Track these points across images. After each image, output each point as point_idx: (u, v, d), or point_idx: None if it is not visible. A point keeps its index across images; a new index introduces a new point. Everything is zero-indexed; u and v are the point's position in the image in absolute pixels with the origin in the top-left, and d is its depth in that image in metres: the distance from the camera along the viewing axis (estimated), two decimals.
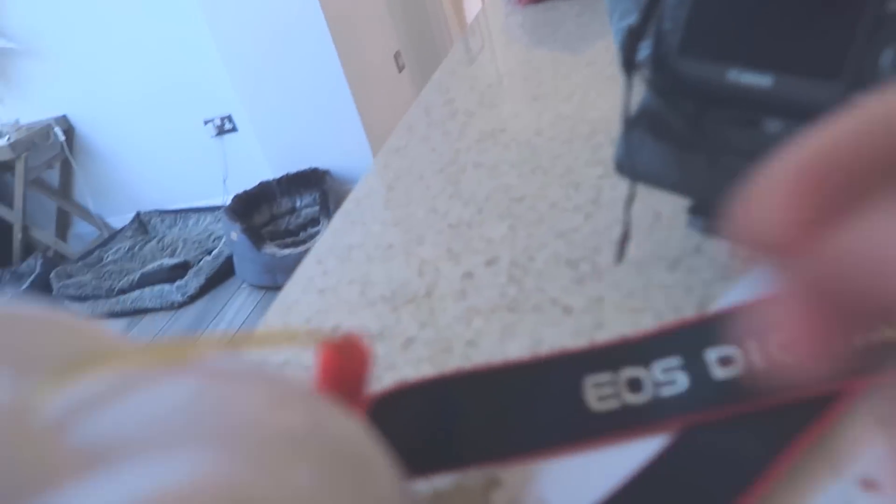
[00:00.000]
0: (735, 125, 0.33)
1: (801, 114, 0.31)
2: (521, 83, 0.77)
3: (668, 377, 0.28)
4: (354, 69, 2.55)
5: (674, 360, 0.28)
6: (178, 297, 2.50)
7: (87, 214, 3.24)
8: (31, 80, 2.93)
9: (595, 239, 0.42)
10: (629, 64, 0.32)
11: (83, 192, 3.20)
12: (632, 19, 0.56)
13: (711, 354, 0.27)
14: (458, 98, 0.76)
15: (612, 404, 0.28)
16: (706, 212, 0.35)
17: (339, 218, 0.56)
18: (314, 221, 2.61)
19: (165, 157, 3.00)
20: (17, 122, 2.85)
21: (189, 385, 0.14)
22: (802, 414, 0.25)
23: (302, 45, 2.44)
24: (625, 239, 0.33)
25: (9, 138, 2.78)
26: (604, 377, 0.29)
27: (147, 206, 3.14)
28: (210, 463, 0.11)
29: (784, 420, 0.25)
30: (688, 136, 0.34)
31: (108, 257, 2.95)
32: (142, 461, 0.11)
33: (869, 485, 0.23)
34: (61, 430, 0.12)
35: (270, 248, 2.37)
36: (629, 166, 0.35)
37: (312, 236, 2.49)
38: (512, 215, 0.48)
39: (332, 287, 0.46)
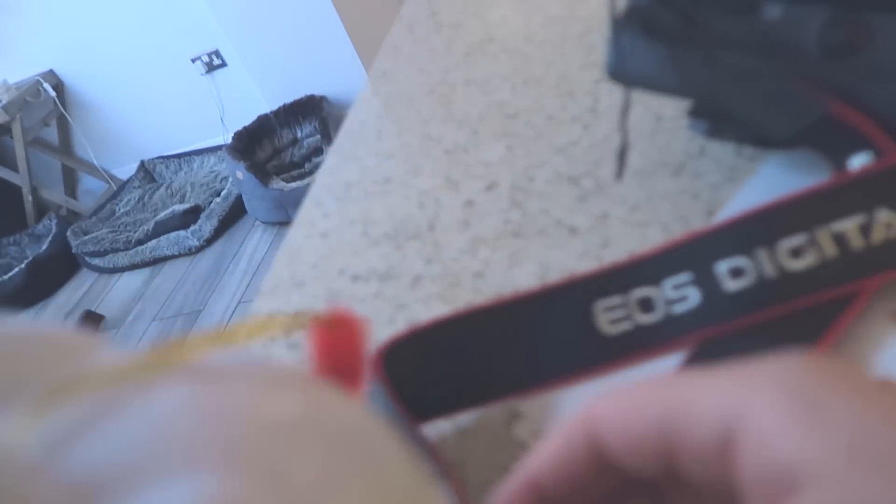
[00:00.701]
0: (732, 13, 0.31)
1: None
2: None
3: (679, 294, 0.27)
4: None
5: (684, 276, 0.27)
6: (195, 242, 2.52)
7: (92, 168, 3.23)
8: (12, 38, 2.85)
9: (595, 151, 0.40)
10: None
11: (84, 147, 3.17)
12: None
13: (721, 267, 0.26)
14: (442, 9, 0.72)
15: (624, 327, 0.28)
16: (707, 112, 0.33)
17: (332, 155, 0.55)
18: (318, 151, 2.57)
19: (159, 100, 2.95)
20: (4, 82, 2.80)
21: (179, 393, 0.13)
22: (818, 319, 0.25)
23: None
24: (624, 152, 0.32)
25: (0, 101, 2.74)
26: (614, 300, 0.28)
27: (150, 153, 3.11)
28: (209, 484, 0.11)
29: (800, 327, 0.25)
30: (681, 31, 0.32)
31: (120, 209, 2.96)
32: (136, 496, 0.11)
33: None
34: (47, 466, 0.11)
35: (278, 184, 2.35)
36: (621, 71, 0.34)
37: (318, 166, 2.46)
38: (508, 134, 0.46)
39: (333, 229, 0.46)
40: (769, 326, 0.25)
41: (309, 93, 2.58)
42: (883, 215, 0.24)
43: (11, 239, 3.01)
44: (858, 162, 0.27)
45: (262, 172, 2.35)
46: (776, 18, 0.30)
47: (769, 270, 0.25)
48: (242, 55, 2.59)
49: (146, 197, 2.96)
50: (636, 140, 0.39)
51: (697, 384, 0.15)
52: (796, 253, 0.25)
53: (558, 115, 0.45)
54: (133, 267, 2.60)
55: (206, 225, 2.54)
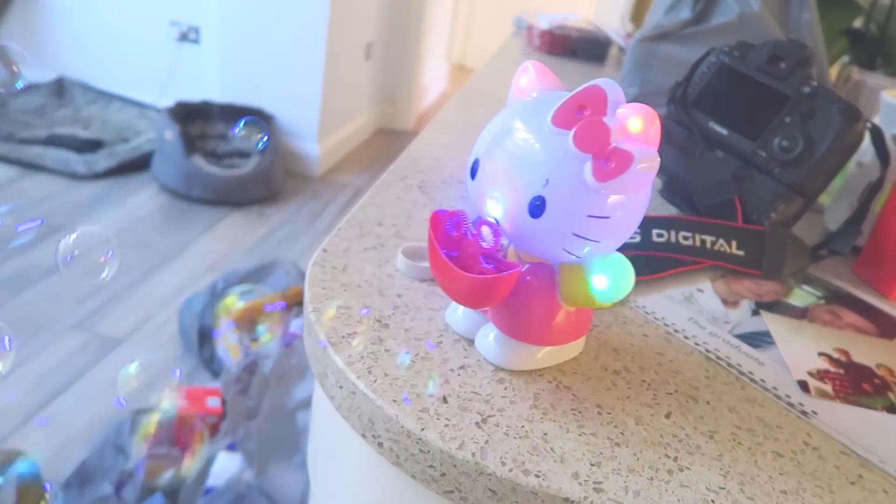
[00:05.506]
0: (705, 148, 0.62)
1: (734, 152, 0.60)
2: None
3: (634, 235, 0.55)
4: (335, 42, 2.75)
5: (636, 231, 0.56)
6: (82, 170, 2.51)
7: (2, 53, 3.12)
8: None
9: None
10: (671, 100, 0.61)
11: (9, 33, 3.09)
12: (633, 90, 0.86)
13: (654, 231, 0.55)
14: None
15: None
16: (672, 188, 0.64)
17: None
18: (241, 154, 2.72)
19: (116, 35, 2.99)
20: None
21: None
22: (682, 263, 0.54)
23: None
24: None
25: None
26: None
27: (73, 73, 3.08)
28: None
29: (676, 262, 0.54)
30: (685, 139, 0.63)
31: (14, 104, 2.87)
32: None
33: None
34: None
35: (198, 160, 2.47)
36: None
37: (238, 166, 2.61)
38: None
39: None
40: (664, 258, 0.54)
41: (261, 106, 2.77)
42: (720, 240, 0.55)
43: None
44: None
45: (189, 143, 2.46)
46: (721, 157, 0.61)
47: (672, 239, 0.55)
48: (220, 44, 2.77)
49: (48, 108, 2.90)
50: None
51: None
52: (686, 238, 0.55)
53: None
54: (5, 160, 2.52)
55: (102, 161, 2.55)
